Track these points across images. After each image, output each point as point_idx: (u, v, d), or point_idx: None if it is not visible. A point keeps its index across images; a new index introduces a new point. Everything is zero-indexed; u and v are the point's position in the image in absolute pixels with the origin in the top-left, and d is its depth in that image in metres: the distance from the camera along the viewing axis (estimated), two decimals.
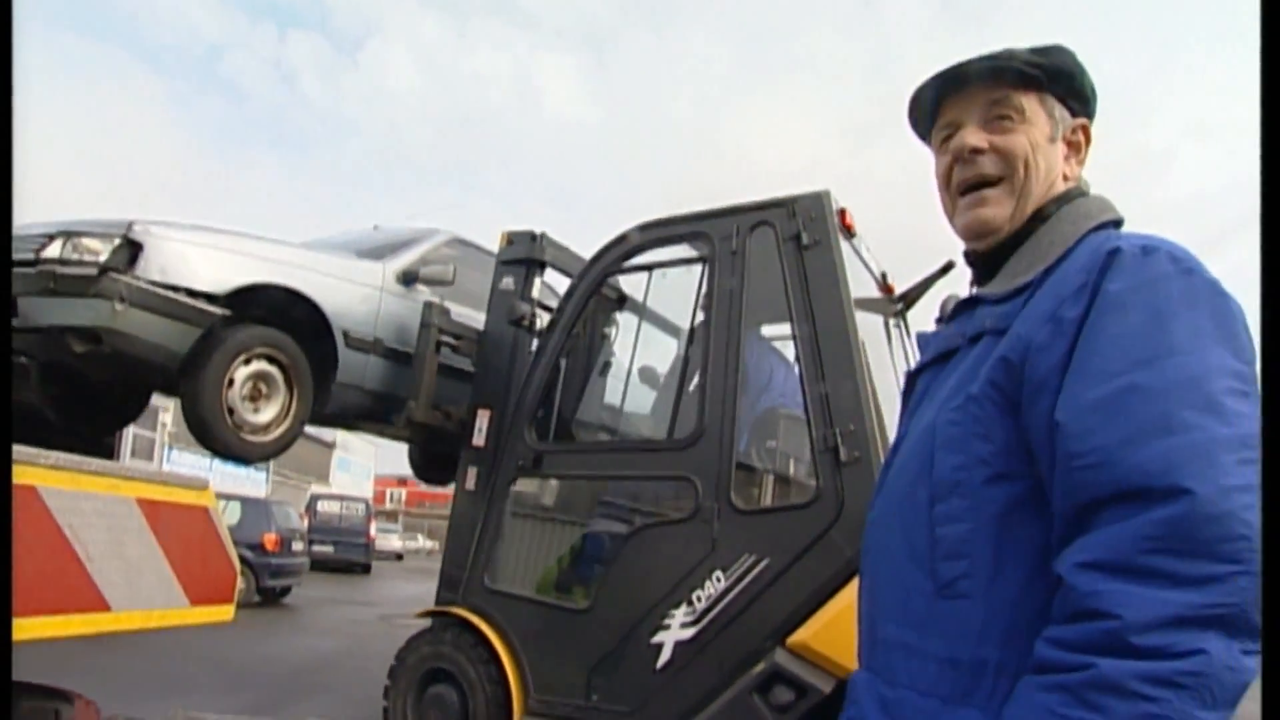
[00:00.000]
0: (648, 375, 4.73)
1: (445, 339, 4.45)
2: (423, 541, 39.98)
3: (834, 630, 3.02)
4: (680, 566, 3.36)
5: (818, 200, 3.53)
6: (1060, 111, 1.11)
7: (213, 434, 3.71)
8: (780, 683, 3.06)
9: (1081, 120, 1.13)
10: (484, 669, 3.60)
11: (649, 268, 3.89)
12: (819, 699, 2.99)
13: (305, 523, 19.49)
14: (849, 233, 3.63)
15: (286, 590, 13.28)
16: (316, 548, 19.36)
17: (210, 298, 3.68)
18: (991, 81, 1.11)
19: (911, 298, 4.25)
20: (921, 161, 1.26)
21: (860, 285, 3.67)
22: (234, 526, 12.14)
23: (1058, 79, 1.10)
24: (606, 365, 4.46)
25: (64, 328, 3.40)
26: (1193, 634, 0.76)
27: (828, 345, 3.33)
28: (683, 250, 3.86)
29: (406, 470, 5.66)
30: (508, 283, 4.45)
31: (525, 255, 4.41)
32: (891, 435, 3.40)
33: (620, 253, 3.92)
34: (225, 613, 3.27)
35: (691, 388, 3.69)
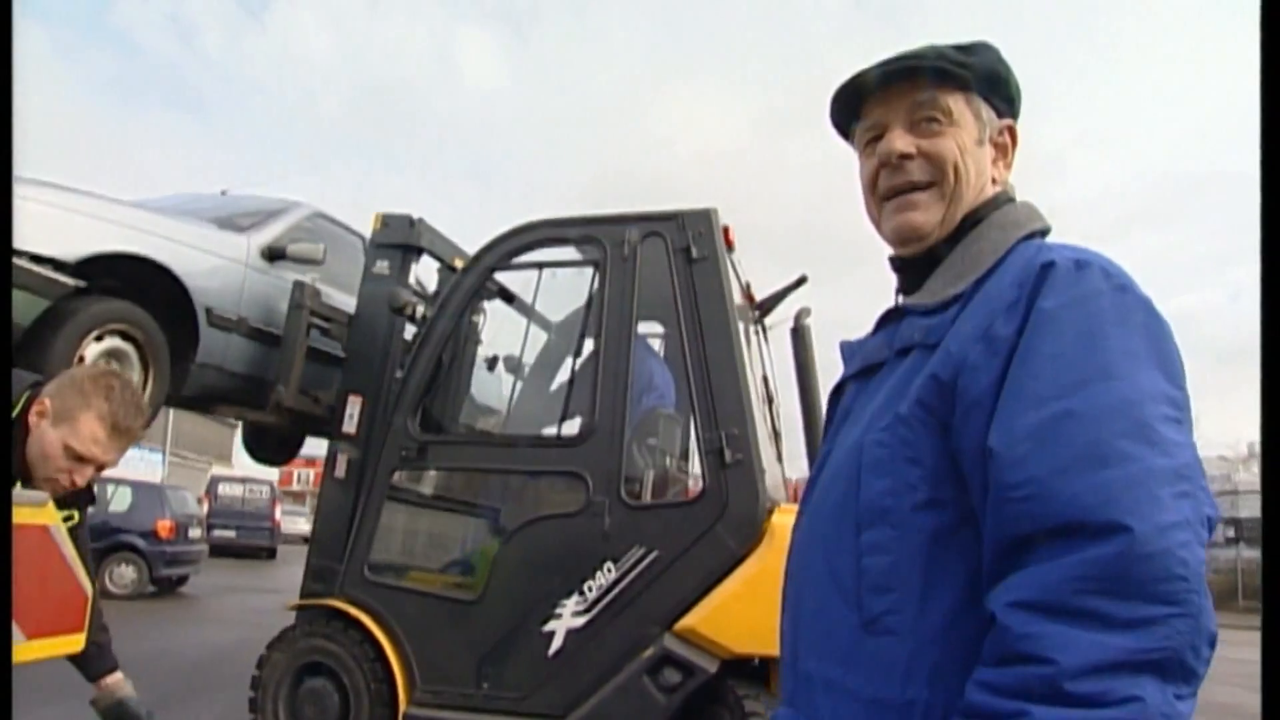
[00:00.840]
0: (512, 365, 4.82)
1: (316, 321, 4.31)
2: None
3: (719, 616, 3.33)
4: (571, 558, 3.54)
5: (706, 216, 3.78)
6: (987, 112, 1.08)
7: None
8: (669, 665, 3.34)
9: (1008, 121, 1.10)
10: (368, 663, 3.61)
11: (539, 266, 3.98)
12: (705, 679, 3.29)
13: (205, 507, 18.36)
14: (730, 247, 3.91)
15: (183, 579, 12.52)
16: (218, 533, 18.57)
17: (58, 265, 3.36)
18: (917, 81, 1.06)
19: (768, 307, 4.64)
20: (839, 154, 1.23)
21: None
22: (125, 513, 11.40)
23: (984, 78, 1.07)
24: (494, 360, 4.51)
25: None
26: (1128, 680, 0.74)
27: (713, 354, 3.60)
28: (573, 252, 3.99)
29: (316, 450, 5.32)
30: (381, 267, 4.36)
31: (402, 240, 4.34)
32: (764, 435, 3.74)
33: (511, 248, 3.98)
34: (74, 643, 2.93)
35: (581, 385, 3.85)
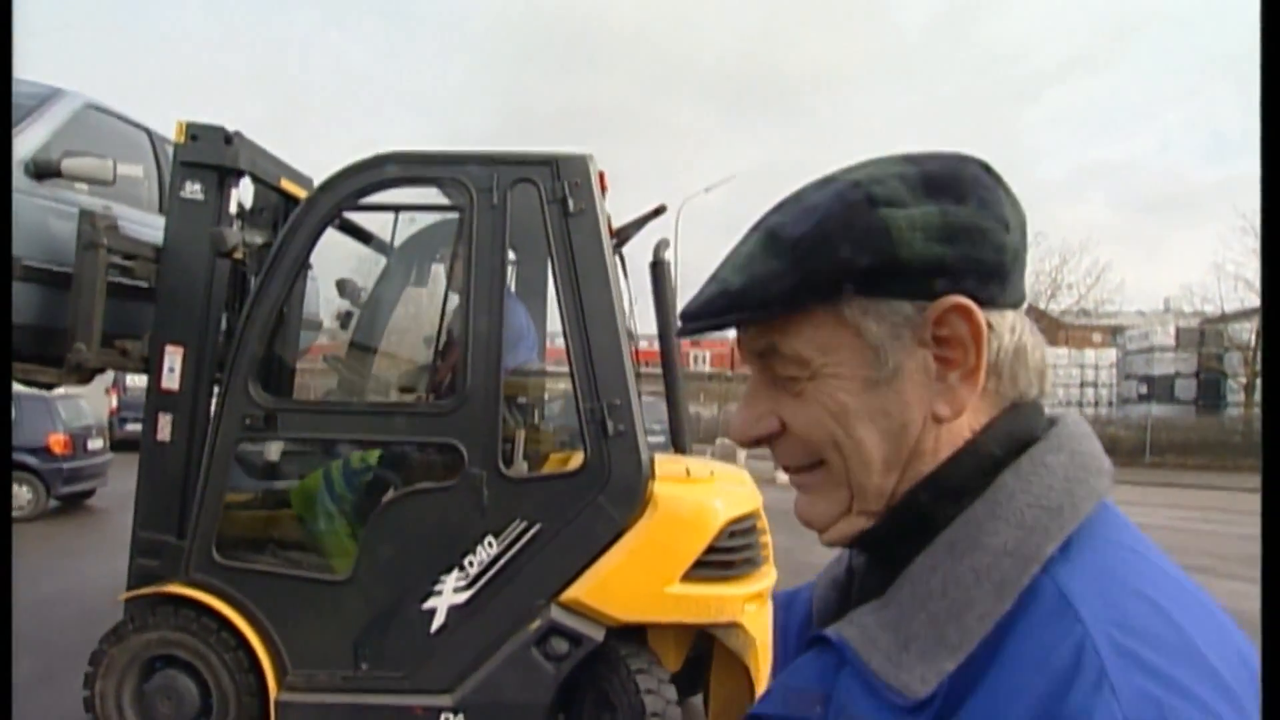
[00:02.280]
0: (348, 289, 4.39)
1: (116, 260, 3.64)
2: None
3: (604, 586, 3.37)
4: (449, 532, 3.41)
5: (582, 163, 3.48)
6: (887, 318, 0.63)
7: None
8: (556, 635, 3.37)
9: (951, 301, 0.62)
10: (228, 652, 3.37)
11: (394, 209, 3.55)
12: (593, 647, 3.37)
13: (114, 400, 17.06)
14: (603, 192, 3.65)
15: (89, 493, 11.47)
16: (130, 427, 16.39)
17: None
18: (743, 325, 0.68)
19: (625, 236, 4.44)
20: None
21: None
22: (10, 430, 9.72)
23: (860, 270, 0.62)
24: (347, 315, 4.04)
25: None
26: None
27: (593, 319, 3.43)
28: (432, 194, 3.57)
29: None
30: (193, 190, 3.70)
31: (216, 160, 3.68)
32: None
33: (360, 185, 3.48)
34: None
35: (448, 347, 3.56)
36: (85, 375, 3.73)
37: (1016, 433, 0.66)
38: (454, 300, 3.53)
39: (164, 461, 3.66)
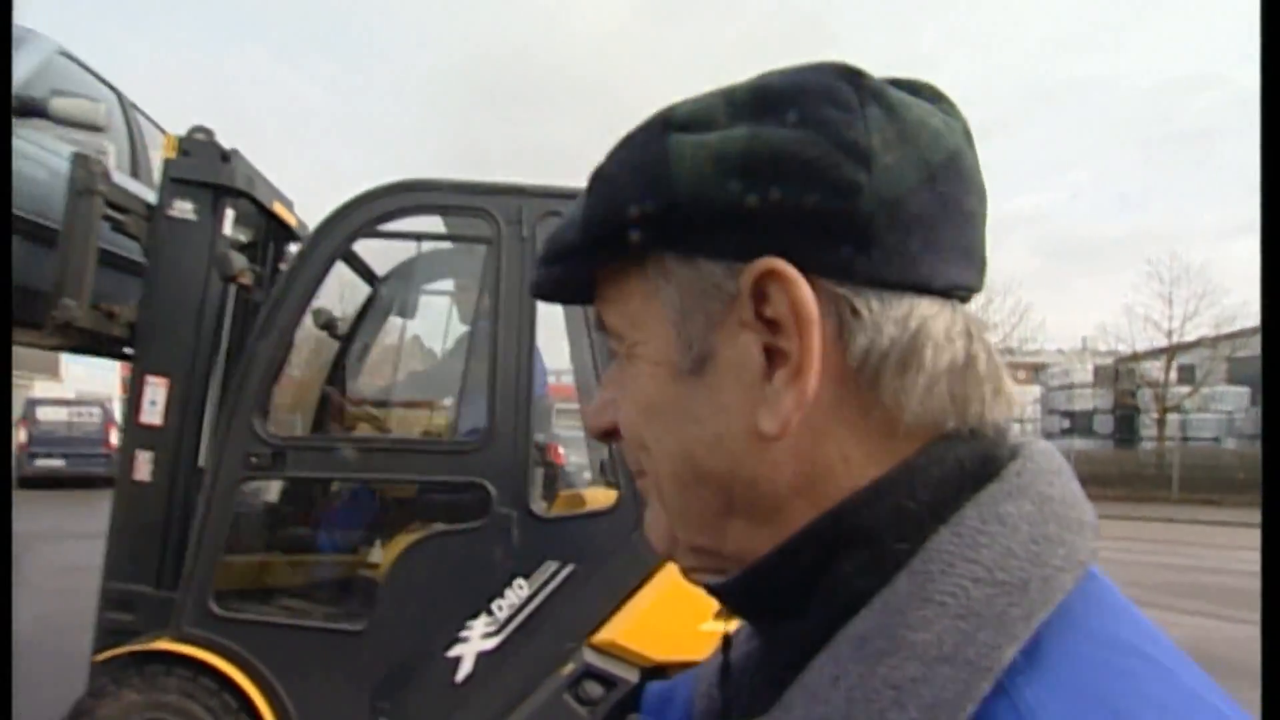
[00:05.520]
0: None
1: (109, 212, 3.30)
2: None
3: (638, 626, 3.30)
4: (475, 577, 3.26)
5: None
6: (703, 273, 0.45)
7: None
8: (590, 678, 3.27)
9: (765, 263, 0.43)
10: (231, 715, 3.07)
11: (416, 238, 3.41)
12: (627, 689, 3.28)
13: (24, 434, 16.73)
14: None
15: None
16: (41, 463, 17.11)
17: None
18: (546, 269, 0.53)
19: None
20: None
21: None
22: None
23: (659, 203, 0.45)
24: (365, 347, 3.82)
25: None
26: None
27: None
28: (455, 224, 3.46)
29: None
30: (183, 209, 3.41)
31: (211, 179, 3.43)
32: None
33: (378, 212, 3.33)
34: None
35: (474, 381, 3.44)
36: (71, 338, 3.36)
37: (951, 472, 0.44)
38: (471, 331, 3.42)
39: (142, 504, 3.33)
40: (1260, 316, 0.80)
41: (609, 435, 0.53)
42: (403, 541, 3.39)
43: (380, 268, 4.22)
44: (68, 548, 10.46)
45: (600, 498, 3.55)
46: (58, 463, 17.52)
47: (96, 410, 19.04)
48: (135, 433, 3.35)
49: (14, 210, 3.17)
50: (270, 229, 3.85)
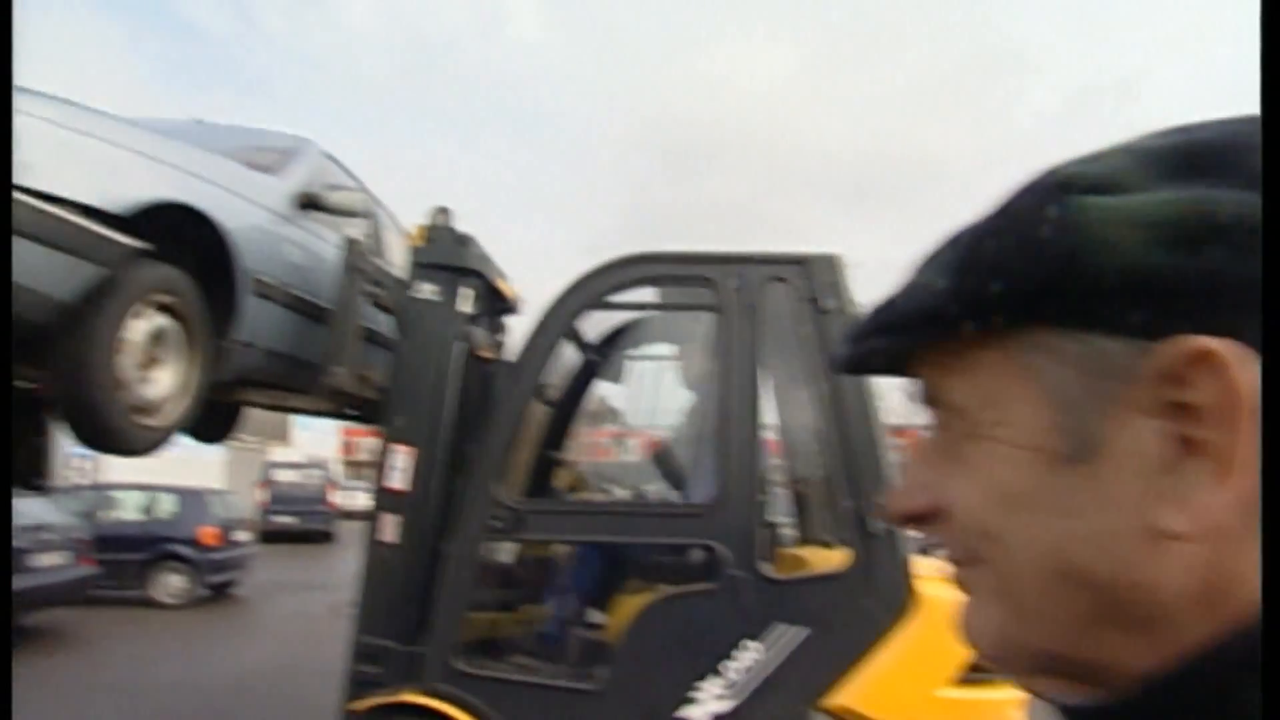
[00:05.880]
0: (612, 416, 4.36)
1: (370, 288, 3.65)
2: None
3: (873, 691, 3.26)
4: (707, 638, 3.30)
5: (832, 263, 3.55)
6: (1097, 350, 0.39)
7: (102, 420, 2.65)
8: None
9: (1197, 342, 0.36)
10: None
11: (648, 308, 3.56)
12: None
13: (264, 495, 19.26)
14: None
15: (231, 582, 12.24)
16: (278, 518, 19.53)
17: (107, 218, 2.52)
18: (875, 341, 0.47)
19: None
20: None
21: None
22: (169, 521, 11.35)
23: (1055, 270, 0.39)
24: (599, 415, 4.02)
25: None
26: None
27: (852, 415, 3.43)
28: (680, 294, 3.61)
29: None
30: (428, 291, 3.70)
31: (451, 262, 3.70)
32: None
33: (609, 284, 3.52)
34: None
35: (704, 445, 3.54)
36: (339, 400, 3.67)
37: None
38: (709, 399, 3.52)
39: (390, 564, 3.54)
40: (1260, 315, 0.76)
41: (922, 520, 0.47)
42: (631, 603, 3.47)
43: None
44: (294, 598, 12.04)
45: (822, 558, 3.55)
46: (290, 519, 19.90)
47: (320, 472, 21.77)
48: (382, 497, 3.59)
49: (299, 291, 3.53)
50: (492, 302, 4.09)
